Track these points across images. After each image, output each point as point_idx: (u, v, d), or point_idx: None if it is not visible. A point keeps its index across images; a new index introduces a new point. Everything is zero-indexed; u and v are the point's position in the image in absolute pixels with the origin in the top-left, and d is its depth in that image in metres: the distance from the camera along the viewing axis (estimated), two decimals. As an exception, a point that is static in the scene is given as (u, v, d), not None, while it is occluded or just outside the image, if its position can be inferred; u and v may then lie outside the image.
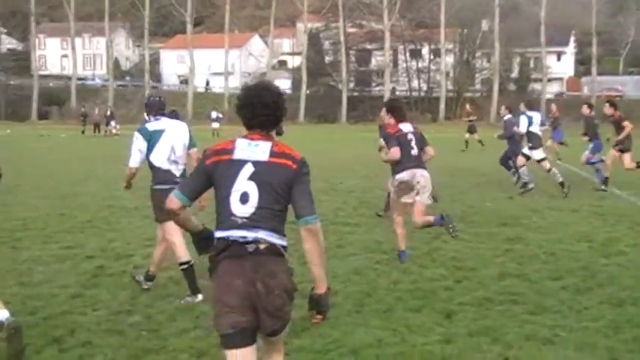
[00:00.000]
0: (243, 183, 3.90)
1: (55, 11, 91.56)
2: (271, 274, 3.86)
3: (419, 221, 9.17)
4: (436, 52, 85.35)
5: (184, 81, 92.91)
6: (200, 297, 7.31)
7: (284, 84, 79.87)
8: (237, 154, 3.96)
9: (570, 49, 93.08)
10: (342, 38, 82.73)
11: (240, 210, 3.89)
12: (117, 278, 8.26)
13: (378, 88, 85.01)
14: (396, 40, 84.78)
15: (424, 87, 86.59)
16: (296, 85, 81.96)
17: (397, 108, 9.44)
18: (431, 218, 9.13)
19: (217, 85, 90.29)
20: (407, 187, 9.05)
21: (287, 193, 3.94)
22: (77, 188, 17.18)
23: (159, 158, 7.45)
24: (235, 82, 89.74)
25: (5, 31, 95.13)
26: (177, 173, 7.53)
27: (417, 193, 9.04)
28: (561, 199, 14.87)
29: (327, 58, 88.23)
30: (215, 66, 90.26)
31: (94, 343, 6.05)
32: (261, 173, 3.91)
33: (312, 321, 4.13)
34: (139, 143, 7.47)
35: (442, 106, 78.68)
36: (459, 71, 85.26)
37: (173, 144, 7.51)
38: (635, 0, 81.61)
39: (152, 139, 7.46)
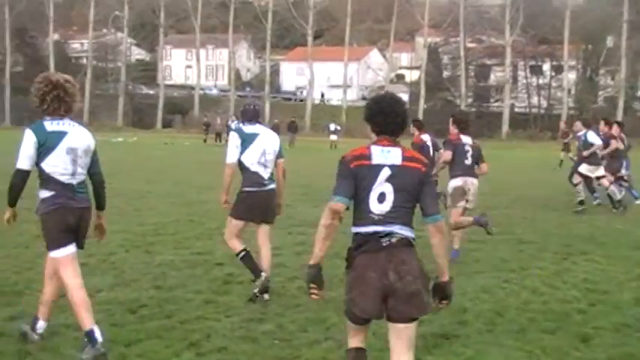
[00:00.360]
0: (381, 184, 4.38)
1: (182, 24, 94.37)
2: (403, 262, 4.31)
3: (457, 221, 10.15)
4: (557, 69, 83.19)
5: (300, 93, 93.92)
6: (263, 275, 7.75)
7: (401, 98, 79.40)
8: (375, 160, 4.42)
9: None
10: (462, 53, 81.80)
11: (378, 208, 4.36)
12: (247, 286, 8.36)
13: (496, 104, 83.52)
14: (517, 56, 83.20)
15: (544, 104, 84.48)
16: (414, 99, 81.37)
17: (461, 120, 10.62)
18: (470, 219, 10.14)
19: (334, 98, 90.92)
20: (462, 192, 10.10)
21: (417, 192, 4.41)
22: (202, 196, 17.62)
23: (249, 159, 7.81)
24: (353, 95, 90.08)
25: (135, 42, 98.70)
26: (265, 176, 7.90)
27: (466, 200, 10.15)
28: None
29: (446, 73, 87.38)
30: (333, 78, 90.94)
31: (230, 349, 6.19)
32: (397, 176, 4.38)
33: (438, 306, 4.53)
34: (235, 140, 7.87)
35: (563, 124, 76.40)
36: (580, 88, 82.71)
37: (265, 148, 7.90)
38: None
39: (246, 140, 7.83)
